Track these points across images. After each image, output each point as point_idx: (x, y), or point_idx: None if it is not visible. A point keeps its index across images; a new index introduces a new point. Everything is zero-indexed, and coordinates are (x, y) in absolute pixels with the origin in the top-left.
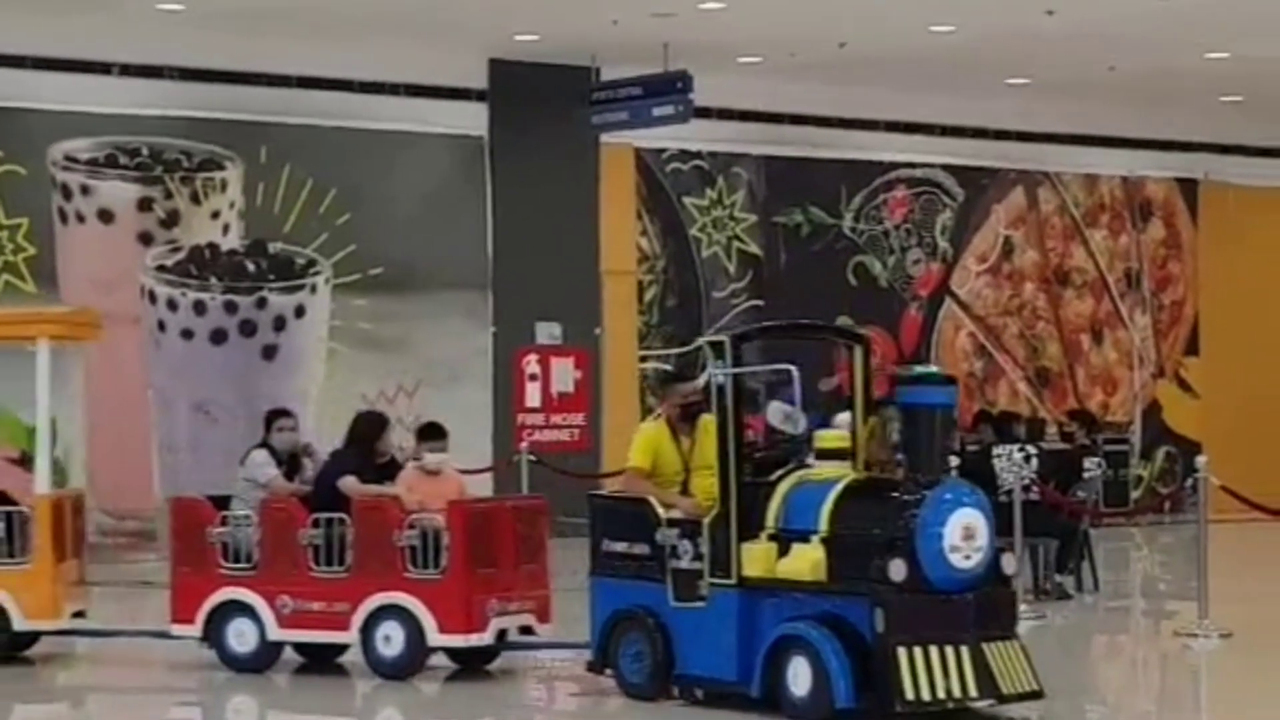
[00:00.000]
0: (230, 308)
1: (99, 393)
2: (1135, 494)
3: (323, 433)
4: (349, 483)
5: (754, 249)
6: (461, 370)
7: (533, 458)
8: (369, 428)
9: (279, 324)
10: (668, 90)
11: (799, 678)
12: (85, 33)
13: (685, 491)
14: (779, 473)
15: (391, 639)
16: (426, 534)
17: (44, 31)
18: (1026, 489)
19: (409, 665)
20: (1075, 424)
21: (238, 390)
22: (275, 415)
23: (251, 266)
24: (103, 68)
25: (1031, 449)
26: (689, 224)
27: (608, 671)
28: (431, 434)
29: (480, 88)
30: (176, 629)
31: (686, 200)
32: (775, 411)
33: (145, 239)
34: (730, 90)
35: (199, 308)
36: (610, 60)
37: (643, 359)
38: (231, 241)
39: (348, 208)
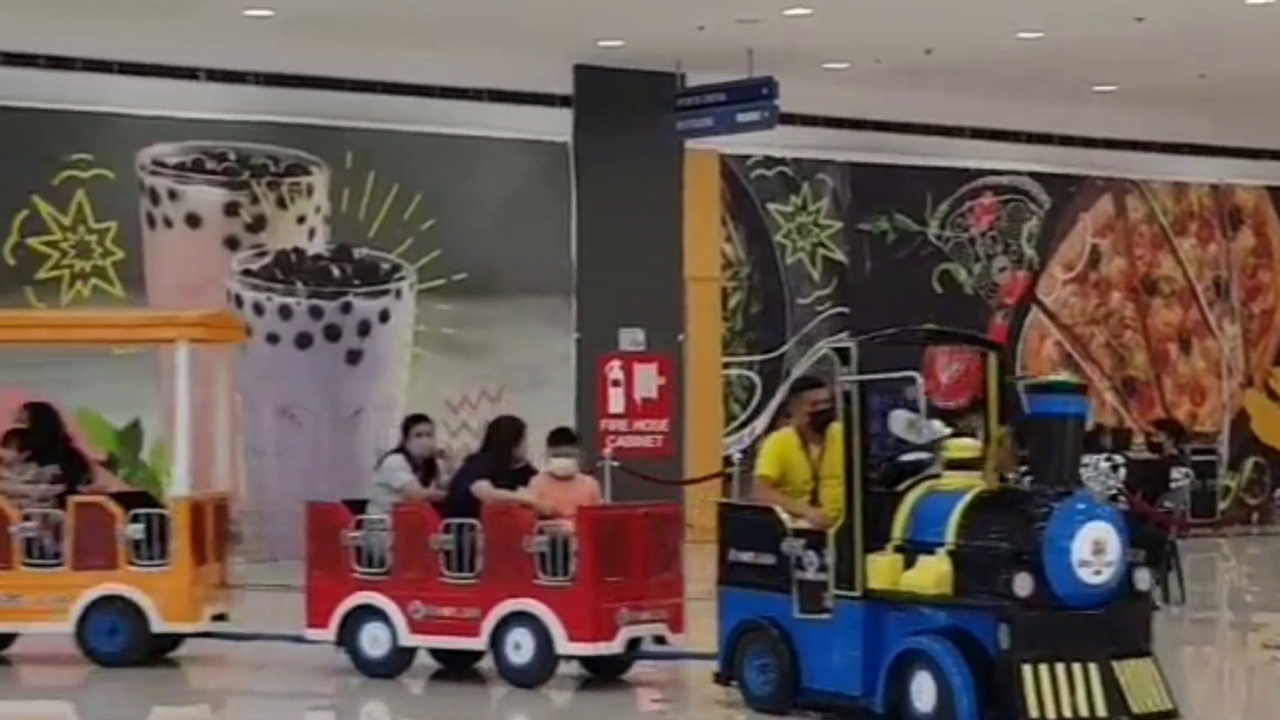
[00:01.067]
0: (315, 312)
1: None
2: (1223, 505)
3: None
4: (481, 487)
5: (839, 256)
6: (544, 376)
7: (616, 463)
8: (505, 432)
9: (364, 329)
10: (753, 96)
11: (923, 693)
12: (173, 38)
13: (814, 501)
14: (907, 482)
15: (521, 646)
16: (556, 540)
17: (132, 37)
18: (1113, 499)
19: (539, 673)
20: (1162, 434)
21: (322, 394)
22: (412, 421)
23: (337, 271)
24: (189, 73)
25: (1118, 459)
26: (773, 230)
27: (734, 683)
28: (561, 439)
29: (565, 93)
30: (311, 633)
31: (771, 206)
32: (899, 420)
33: (231, 243)
34: (815, 96)
35: (284, 312)
36: (695, 66)
37: (725, 365)
38: (317, 246)
39: (432, 213)
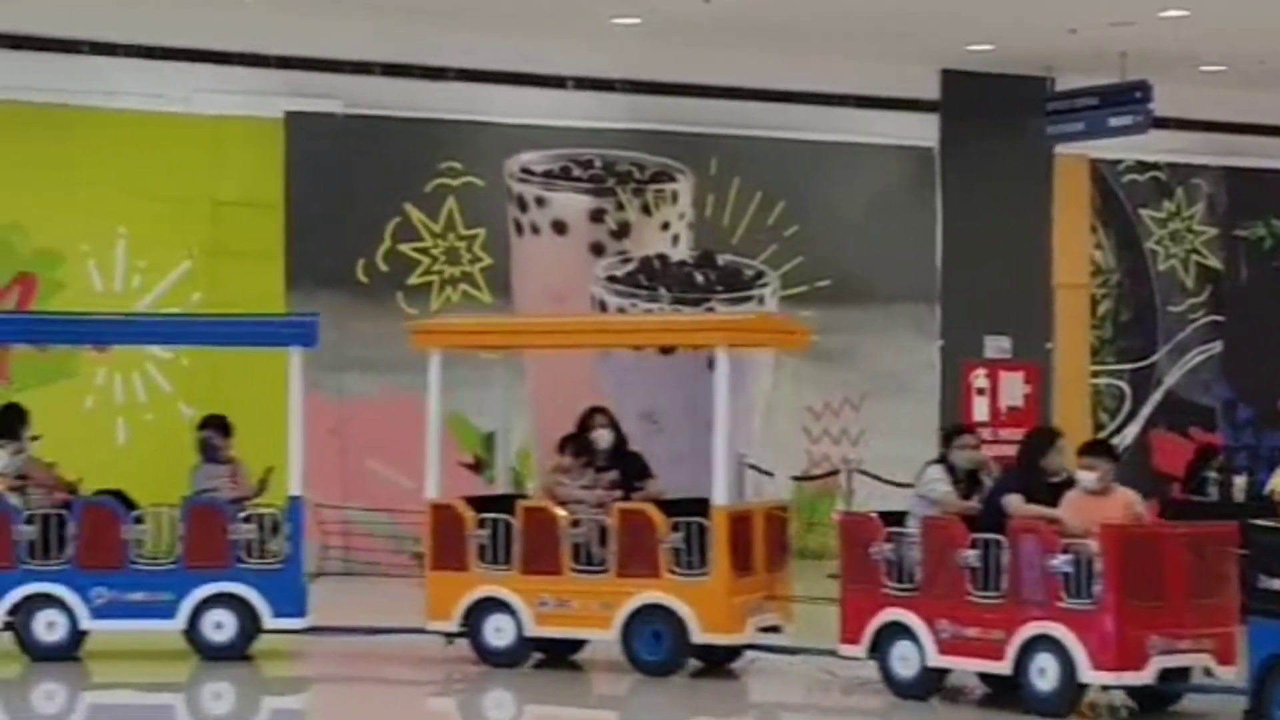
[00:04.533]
0: None
1: (546, 402)
2: None
3: (768, 444)
4: (1012, 502)
5: (1214, 263)
6: (908, 383)
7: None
8: (1033, 443)
9: None
10: (1126, 100)
11: None
12: (541, 48)
13: None
14: None
15: (1046, 672)
16: (1080, 560)
17: (501, 47)
18: None
19: (1061, 702)
20: None
21: (684, 400)
22: (955, 431)
23: (700, 278)
24: (558, 82)
25: None
26: (1145, 236)
27: None
28: (1090, 450)
29: (931, 98)
30: (844, 649)
31: (1143, 212)
32: None
33: (597, 250)
34: (1191, 99)
35: None
36: (1066, 70)
37: (1094, 374)
38: (681, 253)
39: (796, 219)
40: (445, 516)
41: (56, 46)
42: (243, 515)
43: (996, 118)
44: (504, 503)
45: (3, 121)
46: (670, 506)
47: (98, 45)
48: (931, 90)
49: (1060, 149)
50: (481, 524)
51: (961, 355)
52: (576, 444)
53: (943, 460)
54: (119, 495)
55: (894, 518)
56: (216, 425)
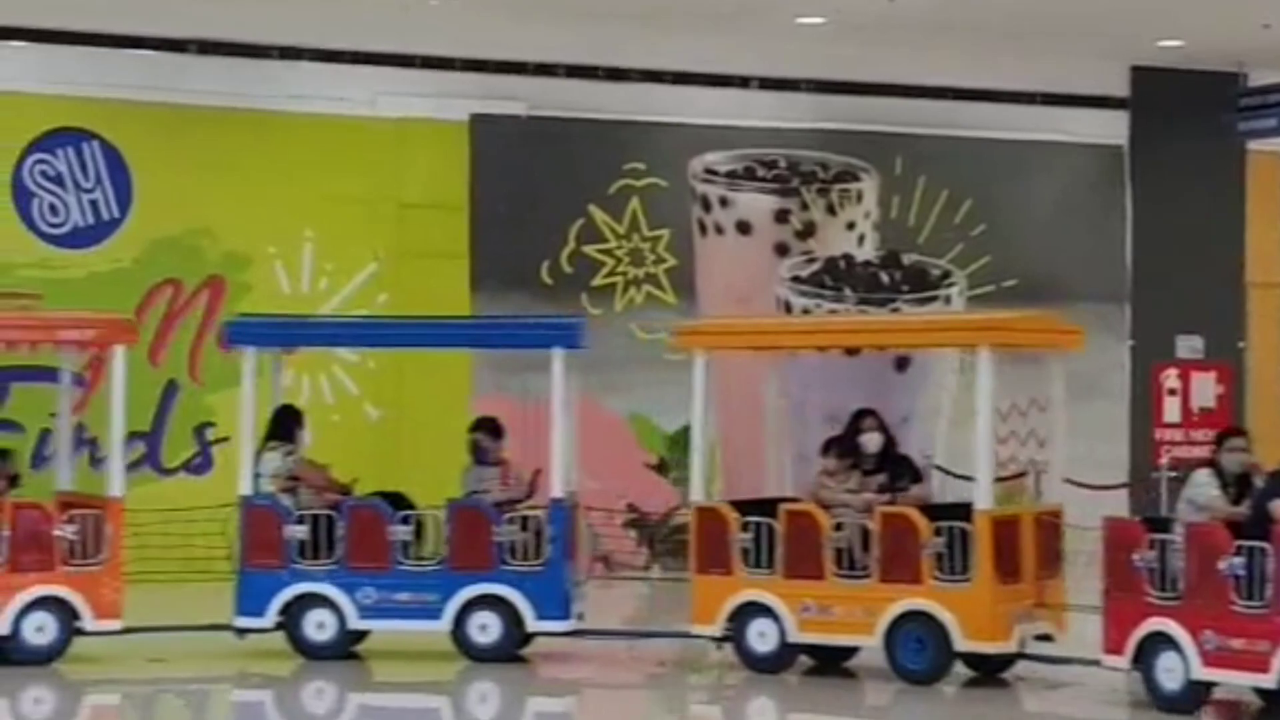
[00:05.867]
0: None
1: (728, 402)
2: None
3: (953, 446)
4: (1278, 507)
5: None
6: (1097, 383)
7: (1173, 474)
8: None
9: None
10: None
11: None
12: (726, 49)
13: None
14: None
15: None
16: None
17: (685, 48)
18: None
19: None
20: None
21: (869, 401)
22: (1227, 434)
23: (886, 278)
24: (741, 81)
25: None
26: None
27: None
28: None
29: (1121, 95)
30: (1107, 659)
31: None
32: None
33: (781, 250)
34: None
35: None
36: (1258, 65)
37: None
38: (866, 253)
39: (983, 219)
40: (710, 519)
41: (245, 52)
42: (507, 517)
43: (1187, 114)
44: (768, 506)
45: (193, 126)
46: (936, 511)
47: (285, 50)
48: (1121, 87)
49: (1253, 145)
50: (745, 527)
51: (1152, 355)
52: (841, 446)
53: (1212, 464)
54: (397, 497)
55: (1160, 524)
56: (487, 428)
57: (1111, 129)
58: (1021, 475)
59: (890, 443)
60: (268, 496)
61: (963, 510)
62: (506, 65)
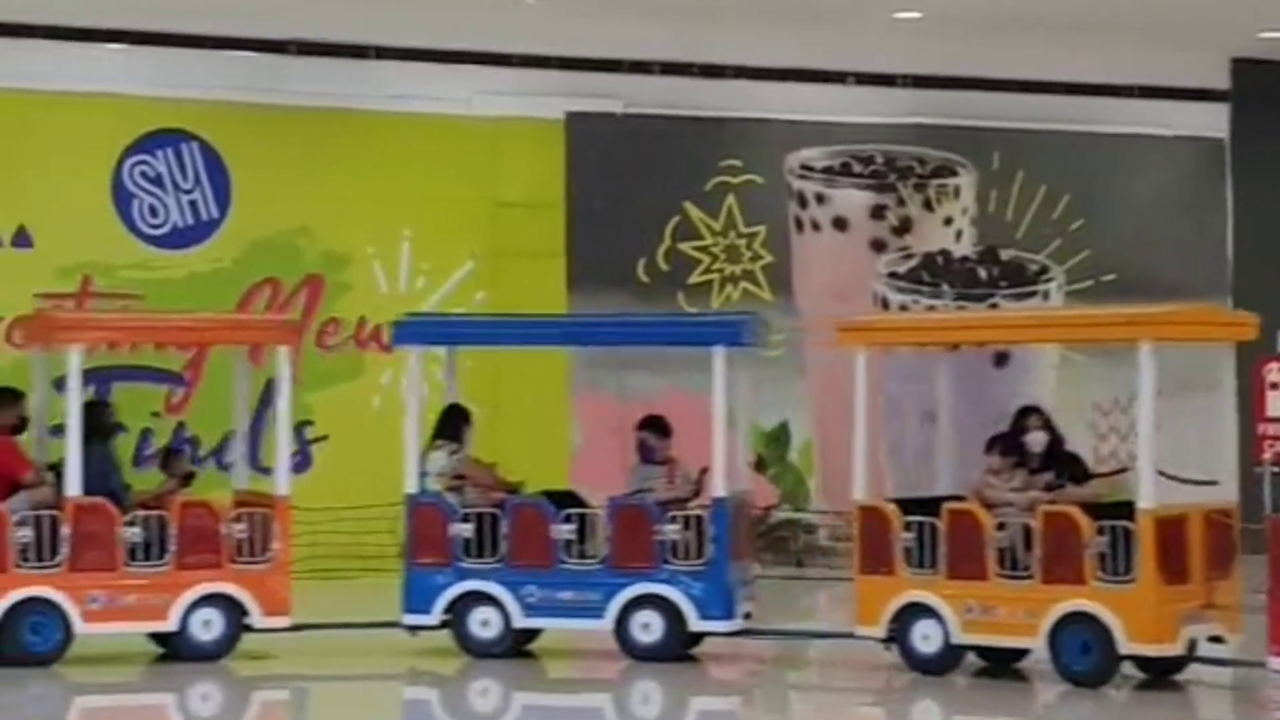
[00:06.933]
0: None
1: (826, 399)
2: None
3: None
4: None
5: None
6: (1198, 379)
7: (1276, 469)
8: None
9: None
10: None
11: None
12: (822, 44)
13: None
14: None
15: None
16: None
17: (781, 44)
18: None
19: None
20: None
21: (968, 398)
22: None
23: (983, 273)
24: (838, 77)
25: None
26: None
27: None
28: None
29: (1222, 88)
30: (1272, 661)
31: None
32: None
33: (878, 246)
34: None
35: None
36: None
37: None
38: (963, 248)
39: (1081, 213)
40: (872, 519)
41: (343, 52)
42: (669, 516)
43: None
44: (930, 505)
45: (291, 126)
46: (1100, 510)
47: (382, 50)
48: (1221, 80)
49: None
50: (908, 527)
51: (1256, 350)
52: (1005, 444)
53: None
54: (570, 496)
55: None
56: (653, 426)
57: (1212, 122)
58: (1123, 471)
59: (1056, 440)
60: (434, 494)
61: (1127, 509)
62: (601, 63)
